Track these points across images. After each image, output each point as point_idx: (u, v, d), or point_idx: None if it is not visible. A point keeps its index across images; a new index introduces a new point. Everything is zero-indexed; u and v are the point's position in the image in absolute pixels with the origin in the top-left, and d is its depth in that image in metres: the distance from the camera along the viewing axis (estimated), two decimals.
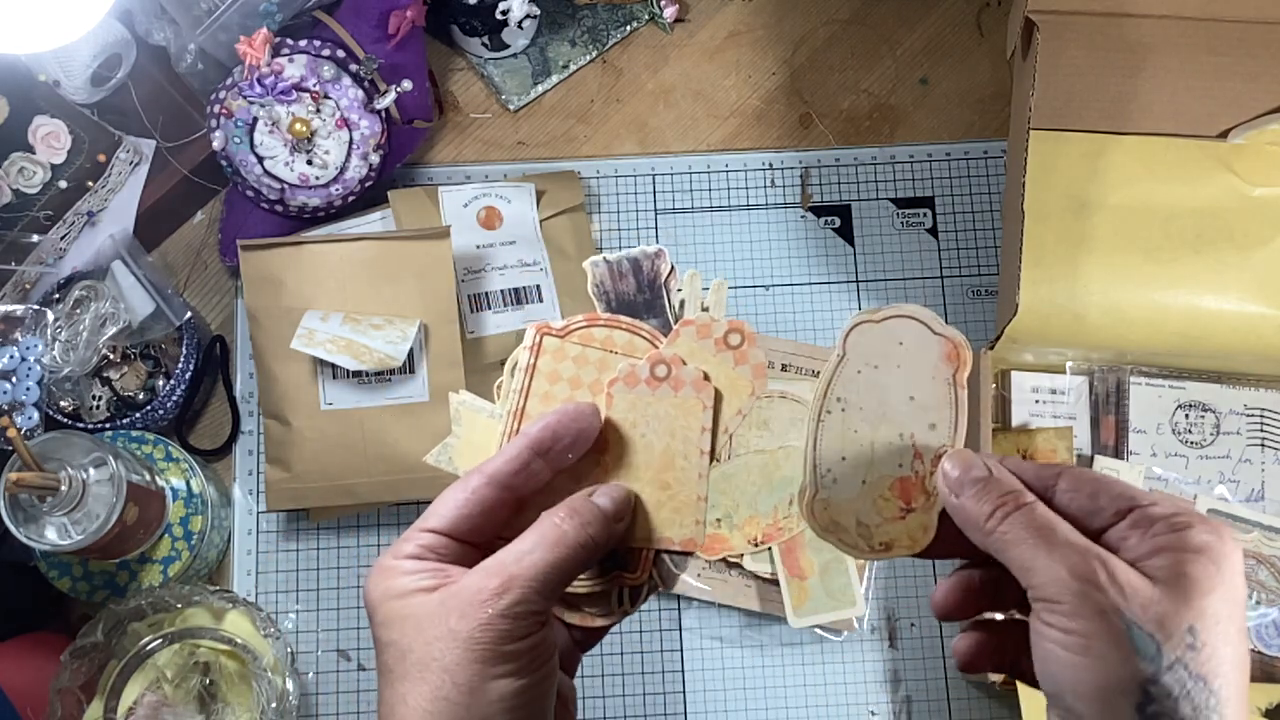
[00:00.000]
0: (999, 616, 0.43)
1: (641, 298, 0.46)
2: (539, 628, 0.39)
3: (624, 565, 0.45)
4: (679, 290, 0.46)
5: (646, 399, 0.44)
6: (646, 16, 0.93)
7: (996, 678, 0.77)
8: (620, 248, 0.87)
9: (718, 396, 0.45)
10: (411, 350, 0.77)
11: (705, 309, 0.46)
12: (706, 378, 0.44)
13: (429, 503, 0.83)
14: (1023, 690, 0.73)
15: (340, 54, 0.81)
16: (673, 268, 0.46)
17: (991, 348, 0.77)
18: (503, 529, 0.43)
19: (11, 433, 0.66)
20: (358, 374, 0.78)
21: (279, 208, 0.83)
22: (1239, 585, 0.36)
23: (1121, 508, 0.38)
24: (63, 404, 0.80)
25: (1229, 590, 0.35)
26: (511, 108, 0.91)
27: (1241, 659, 0.35)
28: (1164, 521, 0.37)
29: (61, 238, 0.83)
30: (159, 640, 0.71)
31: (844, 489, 0.47)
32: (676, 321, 0.46)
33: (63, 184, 0.82)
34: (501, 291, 0.84)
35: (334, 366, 0.77)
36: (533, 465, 0.43)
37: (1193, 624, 0.34)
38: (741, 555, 0.79)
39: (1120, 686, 0.34)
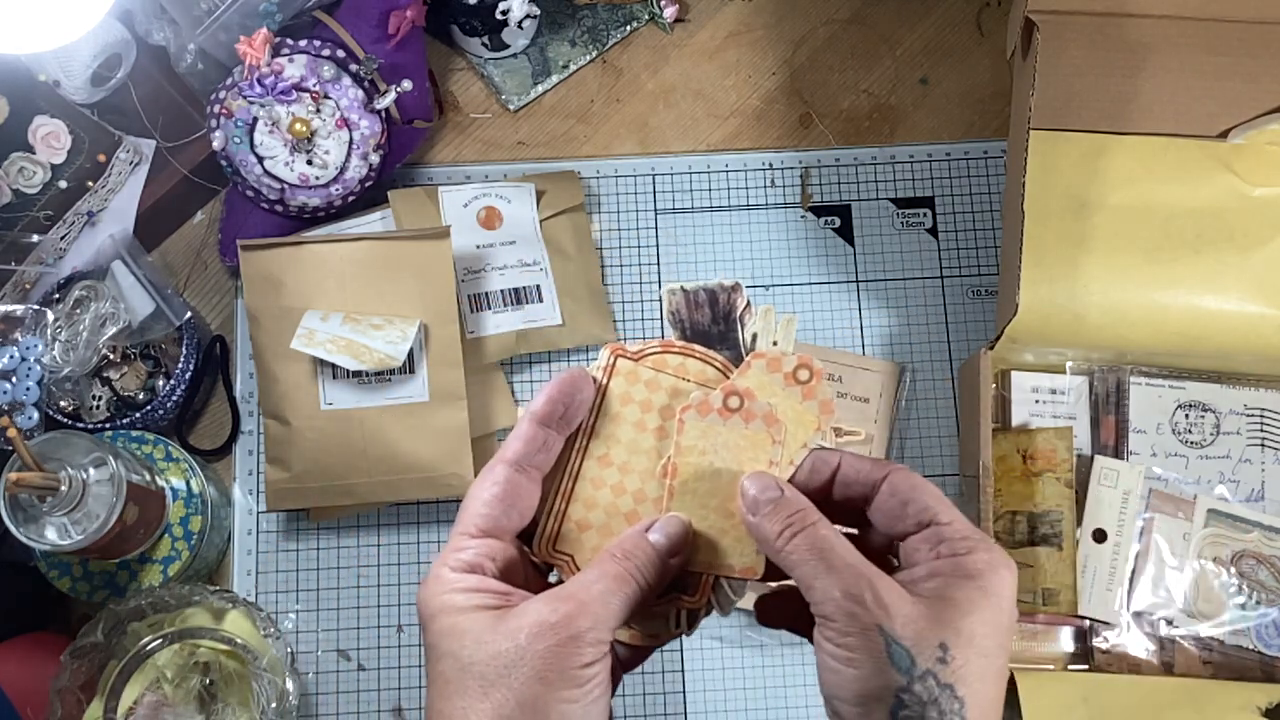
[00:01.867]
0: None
1: (716, 329, 0.47)
2: (602, 655, 0.40)
3: (683, 588, 0.45)
4: (752, 323, 0.47)
5: (717, 428, 0.45)
6: (646, 16, 0.93)
7: None
8: (620, 248, 0.88)
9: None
10: (411, 350, 0.77)
11: (776, 343, 0.47)
12: (778, 415, 0.45)
13: (429, 503, 0.83)
14: (1023, 691, 0.73)
15: (340, 54, 0.81)
16: (749, 302, 0.47)
17: (991, 348, 0.77)
18: (534, 511, 0.44)
19: (12, 433, 0.66)
20: (358, 374, 0.78)
21: (279, 208, 0.83)
22: (1004, 608, 0.40)
23: (923, 520, 0.42)
24: (63, 404, 0.80)
25: (990, 613, 0.40)
26: (511, 108, 0.91)
27: (995, 671, 0.40)
28: (949, 543, 0.41)
29: (61, 238, 0.83)
30: (159, 640, 0.71)
31: None
32: (748, 354, 0.46)
33: (63, 184, 0.82)
34: (501, 291, 0.84)
35: (334, 366, 0.77)
36: (547, 439, 0.44)
37: (944, 640, 0.39)
38: None
39: (878, 694, 0.38)
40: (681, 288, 0.47)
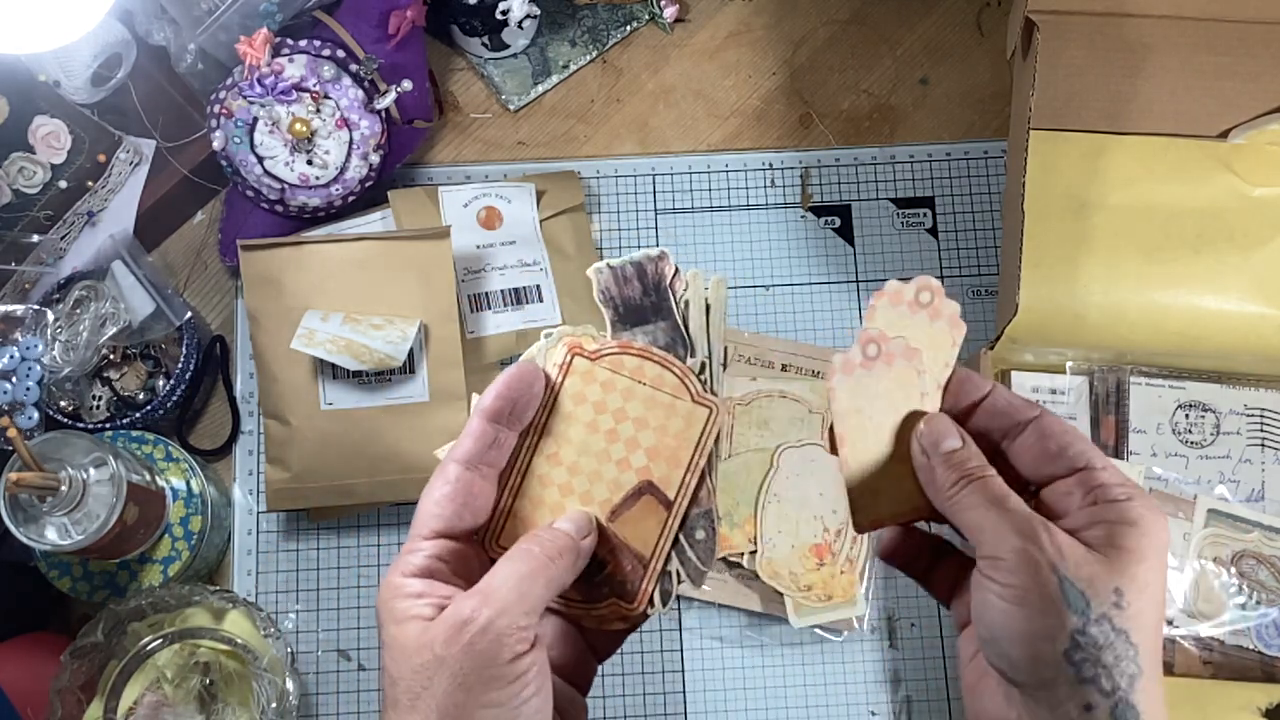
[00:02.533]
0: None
1: (648, 300, 0.46)
2: (529, 648, 0.39)
3: (622, 594, 0.44)
4: (684, 291, 0.46)
5: (865, 381, 0.44)
6: (646, 16, 0.93)
7: None
8: (620, 248, 0.88)
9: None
10: (411, 350, 0.77)
11: (708, 306, 0.46)
12: (913, 345, 0.44)
13: None
14: None
15: (340, 54, 0.81)
16: (677, 269, 0.46)
17: (991, 348, 0.77)
18: (490, 509, 0.44)
19: (12, 433, 0.66)
20: (358, 374, 0.78)
21: (279, 208, 0.83)
22: (1164, 558, 0.40)
23: (1076, 464, 0.41)
24: (63, 404, 0.80)
25: (1155, 561, 0.39)
26: (511, 108, 0.91)
27: (1159, 621, 0.40)
28: (1106, 488, 0.40)
29: (61, 238, 0.83)
30: (159, 640, 0.71)
31: (780, 551, 0.78)
32: (683, 323, 0.46)
33: (63, 184, 0.82)
34: (501, 291, 0.84)
35: (334, 366, 0.77)
36: (498, 436, 0.43)
37: (1119, 585, 0.38)
38: (742, 554, 0.79)
39: (1051, 634, 0.38)
40: (608, 264, 0.46)
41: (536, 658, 0.39)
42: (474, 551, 0.44)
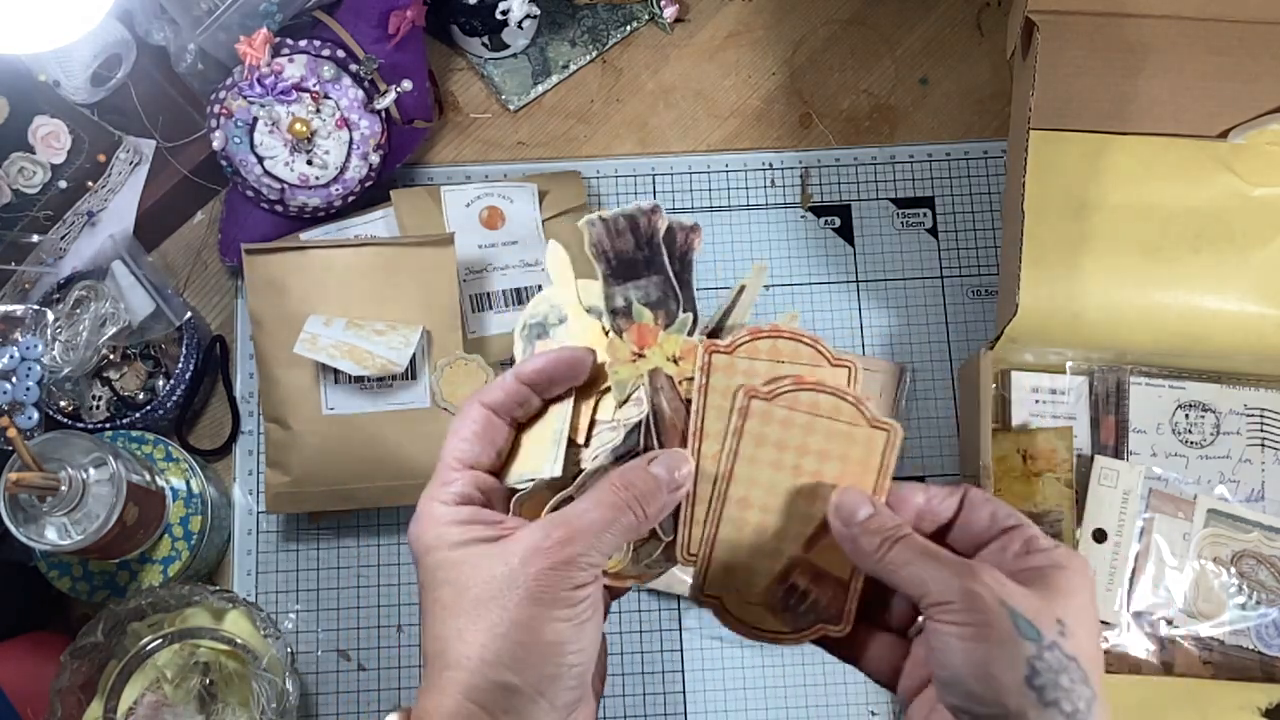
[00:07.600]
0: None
1: (640, 254, 0.46)
2: (594, 579, 0.42)
3: (826, 619, 0.46)
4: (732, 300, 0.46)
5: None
6: (646, 16, 0.93)
7: None
8: None
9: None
10: (414, 356, 0.77)
11: (743, 287, 0.46)
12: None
13: None
14: None
15: (340, 54, 0.81)
16: (670, 224, 0.46)
17: (991, 348, 0.77)
18: (506, 452, 0.46)
19: (11, 433, 0.66)
20: (360, 379, 0.78)
21: (279, 208, 0.83)
22: (1093, 597, 0.43)
23: (1007, 525, 0.44)
24: (63, 404, 0.80)
25: (1086, 598, 0.43)
26: (511, 108, 0.91)
27: (1098, 652, 0.42)
28: (1034, 540, 0.44)
29: (61, 238, 0.83)
30: (159, 640, 0.71)
31: None
32: (677, 280, 0.46)
33: (63, 184, 0.82)
34: (504, 292, 0.84)
35: (336, 372, 0.77)
36: (527, 399, 0.46)
37: (1060, 616, 0.41)
38: None
39: (1011, 663, 0.40)
40: (600, 217, 0.46)
41: (599, 587, 0.42)
42: (496, 486, 0.46)
